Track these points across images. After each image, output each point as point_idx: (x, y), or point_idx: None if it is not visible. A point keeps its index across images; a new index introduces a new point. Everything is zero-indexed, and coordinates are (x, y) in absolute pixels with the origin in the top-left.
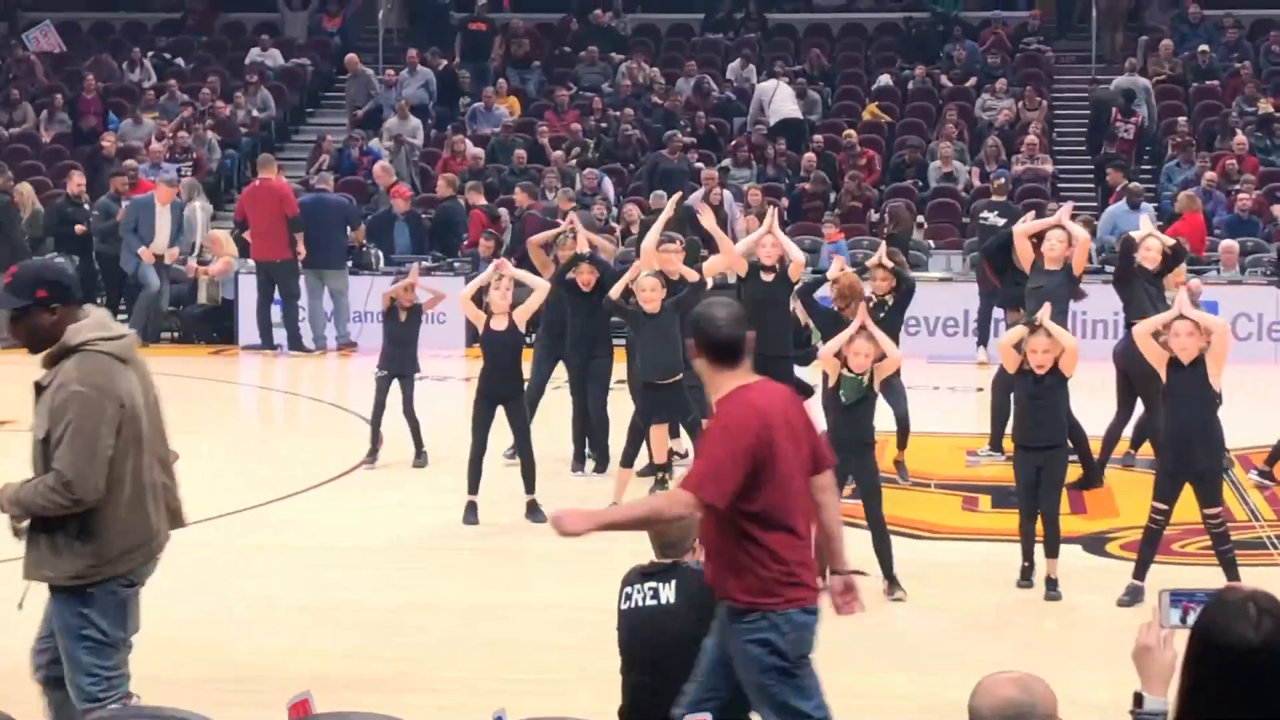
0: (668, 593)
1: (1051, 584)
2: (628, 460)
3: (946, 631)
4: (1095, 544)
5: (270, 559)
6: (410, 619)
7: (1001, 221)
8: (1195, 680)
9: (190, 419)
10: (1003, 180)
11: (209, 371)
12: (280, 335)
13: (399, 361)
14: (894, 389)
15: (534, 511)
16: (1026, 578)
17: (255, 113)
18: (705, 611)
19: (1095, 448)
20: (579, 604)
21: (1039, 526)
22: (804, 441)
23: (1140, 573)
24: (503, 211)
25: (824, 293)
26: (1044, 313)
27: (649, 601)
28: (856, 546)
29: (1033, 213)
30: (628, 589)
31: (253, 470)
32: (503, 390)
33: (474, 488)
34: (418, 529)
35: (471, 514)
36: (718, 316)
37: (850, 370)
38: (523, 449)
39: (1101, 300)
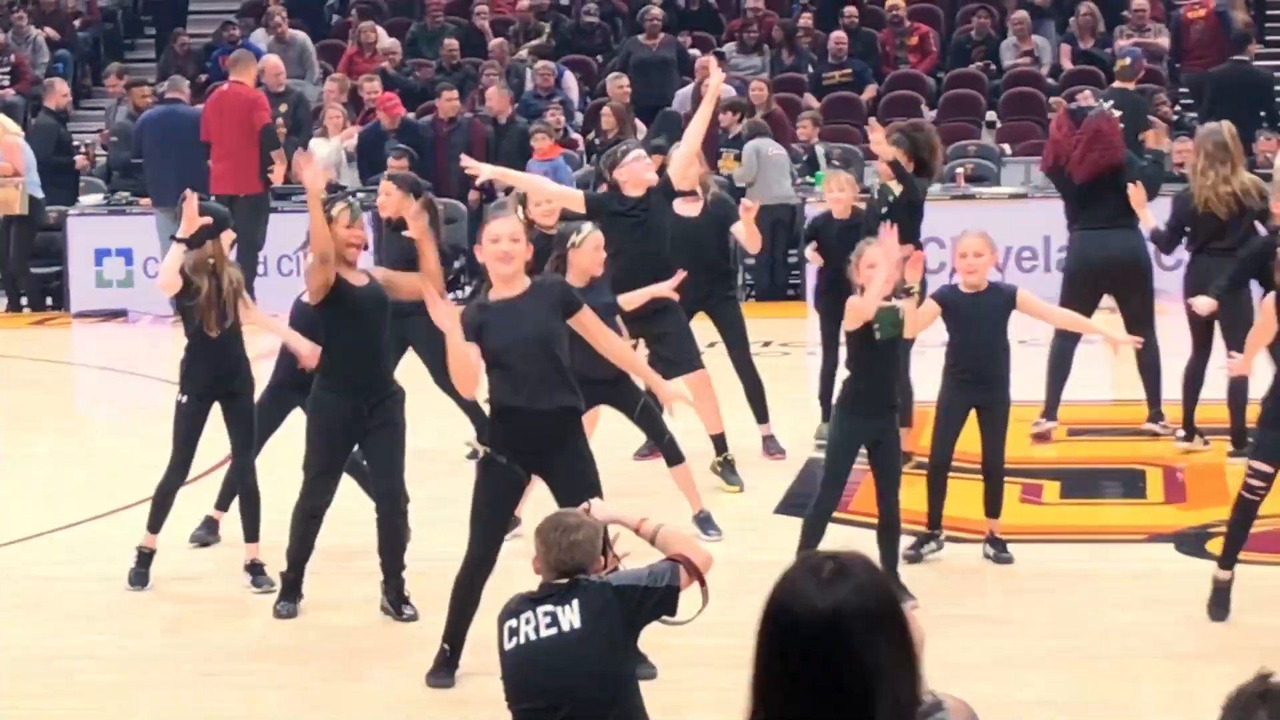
0: (570, 616)
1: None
2: None
3: (981, 663)
4: (1193, 542)
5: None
6: None
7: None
8: (764, 662)
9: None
10: (1128, 61)
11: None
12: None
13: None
14: None
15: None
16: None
17: None
18: (614, 635)
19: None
20: None
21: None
22: None
23: (1228, 561)
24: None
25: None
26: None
27: (546, 631)
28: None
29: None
30: (511, 621)
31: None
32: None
33: None
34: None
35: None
36: None
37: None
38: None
39: None
